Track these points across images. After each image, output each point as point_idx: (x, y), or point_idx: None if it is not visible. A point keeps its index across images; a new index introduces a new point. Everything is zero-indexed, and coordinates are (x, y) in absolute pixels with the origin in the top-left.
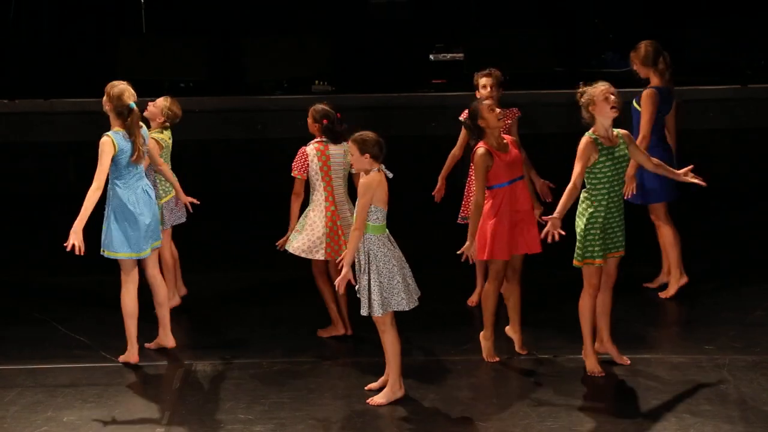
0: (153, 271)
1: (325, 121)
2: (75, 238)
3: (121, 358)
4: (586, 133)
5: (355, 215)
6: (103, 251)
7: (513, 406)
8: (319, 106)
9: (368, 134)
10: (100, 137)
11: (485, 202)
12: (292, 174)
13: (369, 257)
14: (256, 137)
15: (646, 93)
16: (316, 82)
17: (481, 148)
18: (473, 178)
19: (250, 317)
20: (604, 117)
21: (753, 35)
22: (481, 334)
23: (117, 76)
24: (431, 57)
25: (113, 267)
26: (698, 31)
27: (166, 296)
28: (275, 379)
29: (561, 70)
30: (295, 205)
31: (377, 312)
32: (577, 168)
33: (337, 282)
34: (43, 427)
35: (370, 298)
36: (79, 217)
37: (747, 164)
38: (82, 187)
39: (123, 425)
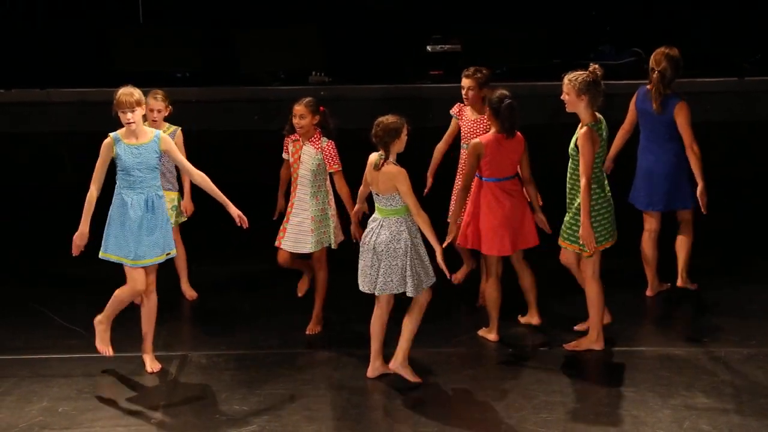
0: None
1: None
2: None
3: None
4: None
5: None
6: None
7: (507, 398)
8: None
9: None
10: (96, 127)
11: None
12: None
13: None
14: (253, 128)
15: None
16: (314, 73)
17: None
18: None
19: (246, 308)
20: None
21: (749, 28)
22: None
23: (113, 67)
24: (428, 48)
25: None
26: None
27: (151, 312)
28: (271, 370)
29: (558, 62)
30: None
31: None
32: None
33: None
34: (39, 417)
35: None
36: None
37: (743, 157)
38: (77, 177)
39: (118, 416)
